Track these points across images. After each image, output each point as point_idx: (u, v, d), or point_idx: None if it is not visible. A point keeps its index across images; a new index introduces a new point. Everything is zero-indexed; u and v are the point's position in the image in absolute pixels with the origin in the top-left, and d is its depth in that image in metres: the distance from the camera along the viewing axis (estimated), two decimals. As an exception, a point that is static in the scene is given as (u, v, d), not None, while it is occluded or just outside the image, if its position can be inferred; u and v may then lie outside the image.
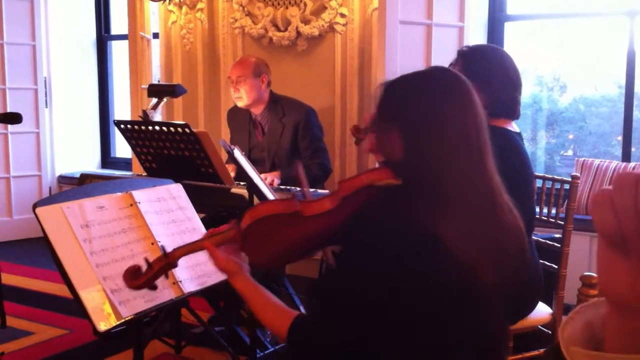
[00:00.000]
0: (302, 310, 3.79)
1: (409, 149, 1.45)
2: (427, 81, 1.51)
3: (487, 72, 2.43)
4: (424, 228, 1.37)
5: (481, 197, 1.43)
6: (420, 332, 1.41)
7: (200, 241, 1.69)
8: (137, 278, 1.72)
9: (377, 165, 1.57)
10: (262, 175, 3.65)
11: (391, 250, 1.37)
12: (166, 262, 1.70)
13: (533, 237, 3.05)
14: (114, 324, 1.97)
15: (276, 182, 3.66)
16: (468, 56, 2.53)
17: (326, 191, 3.53)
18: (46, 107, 6.29)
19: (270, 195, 2.97)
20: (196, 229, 2.34)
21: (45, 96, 6.26)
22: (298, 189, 3.39)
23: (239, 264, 1.64)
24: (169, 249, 1.72)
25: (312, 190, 3.35)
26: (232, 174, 3.51)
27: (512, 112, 2.53)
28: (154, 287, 1.78)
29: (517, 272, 1.50)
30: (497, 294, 1.46)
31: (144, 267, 1.72)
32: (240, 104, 3.89)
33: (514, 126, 2.57)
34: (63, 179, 6.44)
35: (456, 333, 1.43)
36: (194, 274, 2.22)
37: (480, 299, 1.43)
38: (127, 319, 1.99)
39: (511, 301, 1.55)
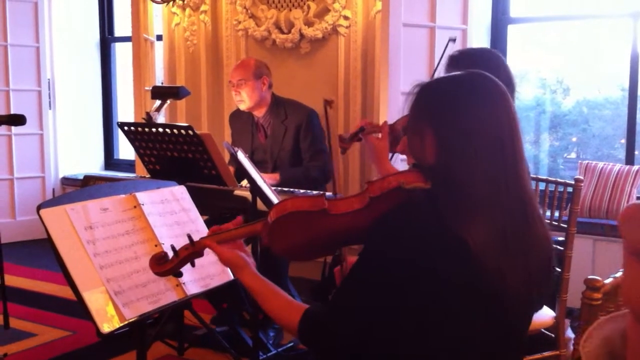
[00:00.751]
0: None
1: (441, 153, 1.43)
2: (464, 85, 1.49)
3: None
4: (450, 231, 1.37)
5: (513, 205, 1.41)
6: (439, 333, 1.41)
7: (226, 232, 1.70)
8: (163, 264, 1.75)
9: (407, 166, 1.57)
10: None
11: (414, 251, 1.37)
12: (192, 250, 1.73)
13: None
14: (117, 326, 1.97)
15: (271, 182, 3.66)
16: (460, 61, 2.51)
17: (330, 193, 3.53)
18: (50, 109, 6.30)
19: (273, 198, 2.97)
20: (200, 230, 2.34)
21: (49, 98, 6.28)
22: (302, 190, 3.39)
23: (244, 259, 1.65)
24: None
25: (315, 192, 3.35)
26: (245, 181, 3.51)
27: None
28: (179, 274, 1.82)
29: (541, 282, 1.49)
30: (521, 300, 1.45)
31: (171, 254, 1.75)
32: (243, 106, 3.90)
33: None
34: (66, 181, 6.45)
35: (475, 336, 1.43)
36: (197, 275, 2.22)
37: (503, 304, 1.43)
38: (130, 320, 1.99)
39: (534, 308, 1.55)
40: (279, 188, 3.52)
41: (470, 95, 1.46)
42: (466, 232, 1.36)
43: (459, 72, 1.54)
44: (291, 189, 3.46)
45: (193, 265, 1.81)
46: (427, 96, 1.50)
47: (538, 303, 1.57)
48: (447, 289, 1.37)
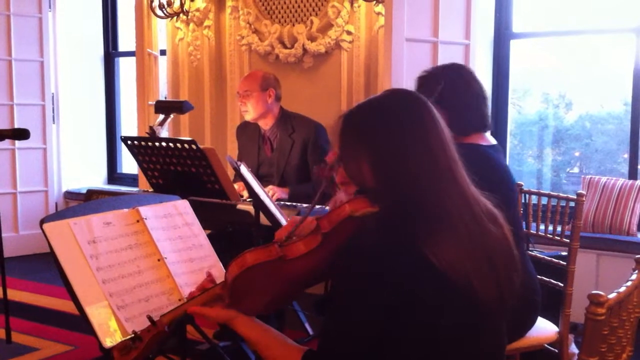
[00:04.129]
0: (308, 327, 3.78)
1: (379, 175, 1.45)
2: (387, 105, 1.51)
3: (449, 92, 2.44)
4: (410, 251, 1.37)
5: (460, 211, 1.42)
6: (427, 356, 1.40)
7: (185, 304, 1.64)
8: (128, 353, 1.63)
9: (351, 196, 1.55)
10: (270, 188, 3.67)
11: (381, 279, 1.36)
12: (155, 331, 1.64)
13: (538, 254, 3.04)
14: (120, 340, 1.97)
15: (282, 195, 3.67)
16: (428, 80, 2.54)
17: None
18: (53, 123, 6.33)
19: (276, 212, 2.97)
20: (203, 245, 2.34)
21: (53, 112, 6.30)
22: (305, 205, 3.39)
23: (230, 310, 1.58)
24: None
25: (319, 207, 3.35)
26: (246, 194, 3.51)
27: (482, 126, 2.54)
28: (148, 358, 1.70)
29: (511, 281, 1.49)
30: (498, 309, 1.46)
31: (134, 340, 1.64)
32: (248, 117, 3.91)
33: (488, 139, 2.57)
34: (69, 195, 6.46)
35: (457, 354, 1.42)
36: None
37: (482, 317, 1.43)
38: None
39: (510, 315, 1.54)
40: (282, 202, 3.53)
41: (392, 114, 1.48)
42: (428, 249, 1.36)
43: (379, 94, 1.56)
44: (294, 204, 3.46)
45: (160, 345, 1.70)
46: (351, 123, 1.52)
47: (518, 315, 1.57)
48: (420, 308, 1.37)
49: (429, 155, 1.44)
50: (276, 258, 1.51)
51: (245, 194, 3.51)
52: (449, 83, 2.48)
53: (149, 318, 1.65)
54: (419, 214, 1.40)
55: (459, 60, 4.29)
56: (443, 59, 4.20)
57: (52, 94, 6.28)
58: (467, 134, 2.48)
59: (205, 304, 1.61)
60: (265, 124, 3.94)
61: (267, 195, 3.08)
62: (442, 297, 1.38)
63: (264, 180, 3.84)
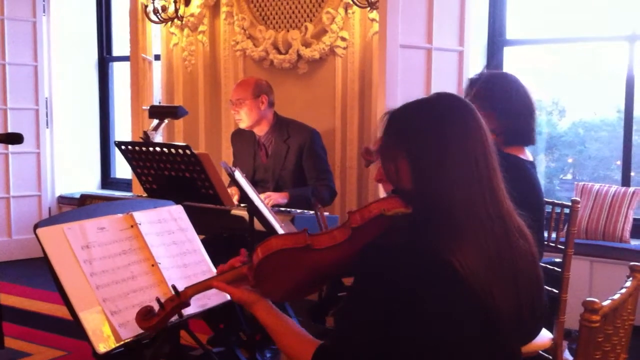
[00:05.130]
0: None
1: (417, 178, 1.43)
2: (432, 108, 1.49)
3: (500, 100, 2.41)
4: (438, 258, 1.36)
5: (492, 223, 1.41)
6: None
7: (211, 279, 1.67)
8: (150, 319, 1.69)
9: (385, 194, 1.55)
10: (268, 194, 3.66)
11: (407, 281, 1.36)
12: (179, 301, 1.68)
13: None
14: (113, 346, 1.96)
15: (281, 201, 3.66)
16: (479, 84, 2.51)
17: (327, 213, 3.53)
18: (47, 128, 6.31)
19: (270, 218, 2.97)
20: (197, 250, 2.34)
21: (47, 116, 6.29)
22: (299, 210, 3.39)
23: (256, 293, 1.61)
24: (180, 287, 1.70)
25: (312, 212, 3.35)
26: (236, 197, 3.51)
27: (527, 139, 2.51)
28: (165, 327, 1.76)
29: (533, 300, 1.48)
30: (513, 322, 1.44)
31: (156, 307, 1.69)
32: (242, 125, 3.91)
33: (527, 154, 2.55)
34: (63, 200, 6.45)
35: None
36: (195, 296, 2.21)
37: (497, 328, 1.42)
38: (126, 341, 1.98)
39: (527, 328, 1.53)
40: (277, 208, 3.52)
41: (439, 118, 1.46)
42: (453, 256, 1.35)
43: (426, 96, 1.54)
44: (288, 209, 3.46)
45: (180, 316, 1.75)
46: (397, 122, 1.50)
47: (535, 326, 1.57)
48: (440, 317, 1.36)
49: (470, 163, 1.42)
50: (303, 246, 1.52)
51: (236, 198, 3.51)
52: (502, 91, 2.45)
53: (174, 288, 1.69)
54: (450, 221, 1.39)
55: (453, 66, 4.31)
56: (437, 66, 4.22)
57: (46, 98, 6.27)
58: (510, 144, 2.45)
59: (231, 283, 1.63)
60: (260, 130, 3.93)
61: (262, 200, 3.07)
62: (461, 305, 1.37)
63: (259, 186, 3.84)
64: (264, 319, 1.59)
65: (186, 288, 1.69)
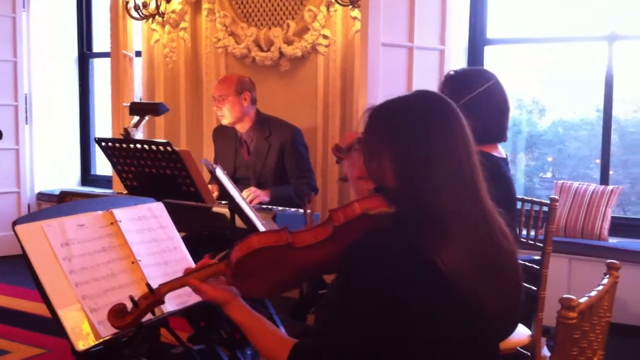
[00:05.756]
0: (283, 330, 3.77)
1: (401, 176, 1.42)
2: (414, 106, 1.48)
3: (474, 97, 2.39)
4: (422, 257, 1.35)
5: (475, 222, 1.41)
6: None
7: (186, 277, 1.64)
8: (123, 317, 1.65)
9: (366, 192, 1.54)
10: (251, 190, 3.65)
11: (391, 281, 1.35)
12: (152, 299, 1.65)
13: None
14: (93, 344, 1.95)
15: (264, 199, 3.65)
16: (455, 80, 2.50)
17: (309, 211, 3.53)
18: (26, 124, 6.26)
19: (252, 215, 2.96)
20: (178, 248, 2.33)
21: (26, 113, 6.23)
22: (280, 208, 3.39)
23: (230, 292, 1.59)
24: (154, 284, 1.67)
25: (294, 209, 3.35)
26: (215, 194, 3.50)
27: (500, 137, 2.51)
28: (140, 325, 1.74)
29: (515, 296, 1.49)
30: (501, 321, 1.46)
31: (130, 306, 1.65)
32: (225, 121, 3.90)
33: (500, 151, 2.55)
34: (42, 196, 6.39)
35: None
36: (174, 293, 2.20)
37: (484, 328, 1.42)
38: (105, 338, 1.97)
39: (507, 325, 1.54)
40: (258, 205, 3.52)
41: (422, 116, 1.45)
42: (437, 255, 1.35)
43: (408, 93, 1.52)
44: (270, 207, 3.46)
45: (153, 313, 1.73)
46: (380, 119, 1.48)
47: (513, 323, 1.58)
48: (425, 317, 1.36)
49: (454, 162, 1.41)
50: (284, 244, 1.50)
51: (216, 194, 3.50)
52: (474, 86, 2.42)
53: (148, 286, 1.65)
54: (435, 220, 1.38)
55: (433, 65, 4.32)
56: (418, 64, 4.24)
57: (26, 94, 6.22)
58: (483, 142, 2.37)
59: (205, 281, 1.61)
60: (242, 127, 3.93)
61: (243, 198, 3.07)
62: (446, 305, 1.37)
63: (240, 184, 3.83)
64: (238, 318, 1.58)
65: (160, 285, 1.66)
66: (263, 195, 3.67)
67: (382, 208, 1.43)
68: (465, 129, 1.46)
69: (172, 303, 2.19)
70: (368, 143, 1.50)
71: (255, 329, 1.56)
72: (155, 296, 1.65)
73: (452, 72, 2.57)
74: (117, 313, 1.66)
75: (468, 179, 1.42)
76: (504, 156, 2.56)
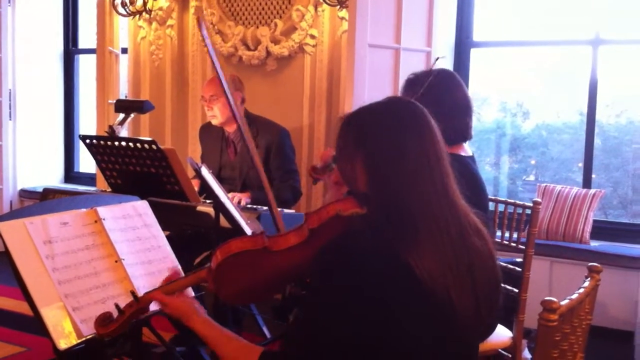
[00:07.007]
0: (265, 330, 3.78)
1: (372, 180, 1.46)
2: (385, 112, 1.53)
3: (436, 99, 2.33)
4: (394, 259, 1.37)
5: (447, 224, 1.43)
6: None
7: (172, 282, 1.67)
8: (108, 325, 1.69)
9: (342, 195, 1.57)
10: (231, 195, 3.64)
11: (363, 283, 1.36)
12: (137, 307, 1.68)
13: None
14: (75, 343, 1.94)
15: (245, 201, 3.65)
16: (416, 83, 2.48)
17: (293, 211, 3.53)
18: (10, 120, 6.21)
19: (236, 214, 2.96)
20: (162, 246, 2.33)
21: (10, 108, 6.18)
22: (265, 208, 3.39)
23: (191, 305, 1.62)
24: (144, 283, 1.71)
25: (279, 210, 3.35)
26: (196, 188, 3.49)
27: (464, 136, 2.51)
28: (125, 332, 1.77)
29: (491, 298, 1.50)
30: (474, 324, 1.47)
31: (115, 313, 1.69)
32: (215, 122, 3.88)
33: (466, 149, 2.55)
34: (25, 193, 6.35)
35: None
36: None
37: (455, 328, 1.43)
38: (88, 337, 1.97)
39: (484, 326, 1.55)
40: (242, 205, 3.51)
41: (392, 121, 1.49)
42: (409, 256, 1.37)
43: (379, 101, 1.57)
44: (255, 206, 3.45)
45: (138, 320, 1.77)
46: (353, 126, 1.54)
47: (491, 324, 1.59)
48: (398, 317, 1.37)
49: (424, 166, 1.45)
50: (261, 248, 1.53)
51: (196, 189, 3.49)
52: (435, 88, 2.41)
53: (132, 294, 1.70)
54: (406, 222, 1.41)
55: (420, 67, 4.33)
56: (405, 66, 4.25)
57: (10, 89, 6.17)
58: (450, 143, 2.34)
59: (190, 286, 1.66)
60: (231, 127, 3.91)
61: (228, 197, 3.06)
62: (418, 306, 1.38)
63: (225, 184, 3.82)
64: (203, 331, 1.60)
65: (145, 294, 1.70)
66: (244, 198, 3.66)
67: (354, 209, 1.47)
68: (435, 132, 1.50)
69: (155, 303, 2.18)
70: (342, 148, 1.54)
71: (220, 340, 1.58)
72: (140, 304, 1.69)
73: (411, 76, 2.55)
74: (102, 321, 1.71)
75: (438, 182, 1.46)
76: (471, 154, 2.56)
